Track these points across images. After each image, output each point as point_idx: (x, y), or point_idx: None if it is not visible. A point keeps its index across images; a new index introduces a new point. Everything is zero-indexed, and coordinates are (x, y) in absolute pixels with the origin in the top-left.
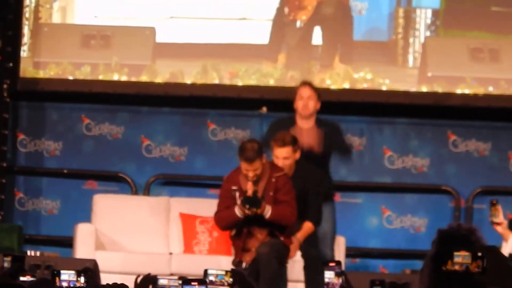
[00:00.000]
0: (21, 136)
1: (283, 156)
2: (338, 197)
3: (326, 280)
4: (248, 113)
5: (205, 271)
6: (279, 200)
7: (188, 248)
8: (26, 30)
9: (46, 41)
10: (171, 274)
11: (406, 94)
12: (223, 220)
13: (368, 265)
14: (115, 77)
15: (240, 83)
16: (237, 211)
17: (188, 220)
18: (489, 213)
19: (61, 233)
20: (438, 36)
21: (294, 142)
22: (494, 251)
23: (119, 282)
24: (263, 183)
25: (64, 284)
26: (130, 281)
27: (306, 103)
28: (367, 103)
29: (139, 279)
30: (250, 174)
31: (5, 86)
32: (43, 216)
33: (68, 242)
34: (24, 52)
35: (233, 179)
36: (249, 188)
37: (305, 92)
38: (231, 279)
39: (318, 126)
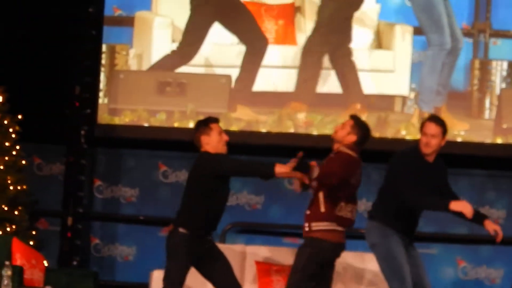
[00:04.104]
0: (98, 182)
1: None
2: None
3: None
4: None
5: None
6: None
7: None
8: (102, 77)
9: (122, 88)
10: None
11: (481, 145)
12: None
13: None
14: (191, 124)
15: (315, 132)
16: None
17: (263, 269)
18: None
19: (137, 279)
20: None
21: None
22: None
23: None
24: None
25: None
26: None
27: (429, 141)
28: (442, 154)
29: None
30: None
31: (82, 132)
32: (119, 263)
33: None
34: (100, 98)
35: None
36: None
37: (430, 129)
38: None
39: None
